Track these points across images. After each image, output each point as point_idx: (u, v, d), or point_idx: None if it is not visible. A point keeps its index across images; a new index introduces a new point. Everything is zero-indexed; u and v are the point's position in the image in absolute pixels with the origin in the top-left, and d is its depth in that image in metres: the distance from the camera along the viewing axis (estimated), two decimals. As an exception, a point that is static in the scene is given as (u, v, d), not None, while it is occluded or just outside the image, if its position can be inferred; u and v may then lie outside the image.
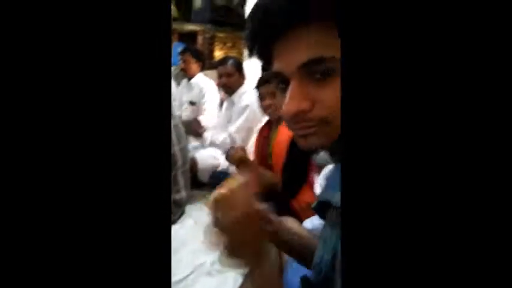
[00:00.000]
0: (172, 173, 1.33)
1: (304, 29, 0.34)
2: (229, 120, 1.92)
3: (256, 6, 0.37)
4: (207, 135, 1.85)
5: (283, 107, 0.37)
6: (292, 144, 1.25)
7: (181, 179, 1.37)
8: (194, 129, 1.97)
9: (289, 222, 1.09)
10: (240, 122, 1.78)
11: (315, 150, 0.39)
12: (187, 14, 5.28)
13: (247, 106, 1.78)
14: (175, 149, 1.32)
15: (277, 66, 0.38)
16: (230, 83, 1.85)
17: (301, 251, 0.57)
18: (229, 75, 1.84)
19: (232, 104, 1.91)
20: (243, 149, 1.51)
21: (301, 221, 1.13)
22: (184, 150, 1.38)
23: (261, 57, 0.41)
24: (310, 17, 0.33)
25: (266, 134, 1.49)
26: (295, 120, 0.37)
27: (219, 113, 2.15)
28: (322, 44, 0.34)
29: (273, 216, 0.54)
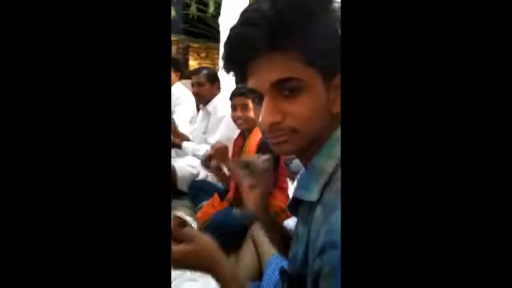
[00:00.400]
0: None
1: (274, 54, 0.41)
2: (204, 131, 1.94)
3: (229, 35, 0.43)
4: (188, 146, 1.85)
5: (260, 119, 0.44)
6: (260, 150, 1.30)
7: None
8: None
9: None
10: (220, 133, 1.79)
11: (288, 156, 0.46)
12: (160, 24, 5.25)
13: (223, 117, 1.81)
14: None
15: (251, 83, 0.45)
16: (201, 92, 1.90)
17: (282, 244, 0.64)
18: (200, 84, 1.89)
19: (207, 114, 1.94)
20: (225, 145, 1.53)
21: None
22: None
23: (236, 74, 0.47)
24: (277, 47, 0.40)
25: (240, 144, 1.54)
26: (270, 130, 0.44)
27: (196, 123, 2.17)
28: (289, 67, 0.41)
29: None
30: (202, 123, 1.99)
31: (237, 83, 0.48)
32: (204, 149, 1.79)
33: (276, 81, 0.42)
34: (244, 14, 0.42)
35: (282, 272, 0.51)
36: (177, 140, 1.83)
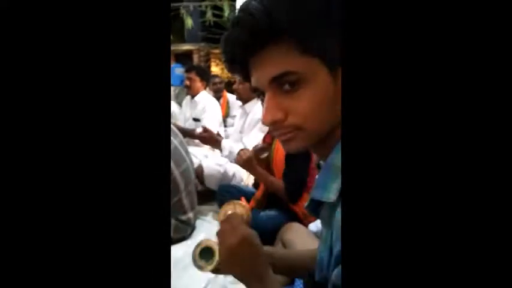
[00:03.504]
0: (176, 198, 1.32)
1: (269, 49, 0.39)
2: (241, 130, 1.97)
3: (222, 39, 0.42)
4: (226, 145, 1.88)
5: (262, 117, 0.41)
6: (289, 154, 1.27)
7: (186, 202, 1.37)
8: (211, 139, 1.96)
9: (294, 227, 1.11)
10: (254, 134, 1.81)
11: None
12: (181, 35, 5.41)
13: (259, 119, 1.81)
14: (176, 173, 1.29)
15: (253, 81, 0.43)
16: (239, 90, 1.92)
17: (296, 271, 0.62)
18: (241, 82, 1.90)
19: (244, 113, 1.98)
20: (251, 152, 1.53)
21: (305, 225, 1.15)
22: (185, 172, 1.36)
23: (241, 75, 0.45)
24: (271, 42, 0.38)
25: (269, 141, 1.53)
26: (274, 128, 0.42)
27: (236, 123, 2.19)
28: (285, 60, 0.39)
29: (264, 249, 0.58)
30: (239, 122, 2.03)
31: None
32: (238, 148, 1.80)
33: (273, 77, 0.40)
34: (234, 16, 0.41)
35: (307, 277, 0.48)
36: (218, 141, 1.86)
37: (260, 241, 0.49)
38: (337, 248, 0.37)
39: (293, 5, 0.37)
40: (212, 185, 1.85)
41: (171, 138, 1.34)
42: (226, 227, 0.49)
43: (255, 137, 1.80)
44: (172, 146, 1.31)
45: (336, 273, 0.36)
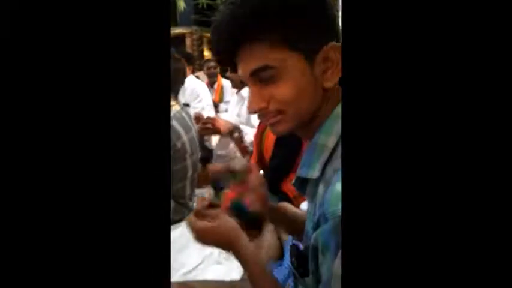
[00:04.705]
0: (182, 184, 1.41)
1: (254, 44, 0.43)
2: (238, 114, 2.01)
3: (211, 31, 0.46)
4: (246, 130, 1.88)
5: (247, 107, 0.47)
6: (279, 138, 1.32)
7: (188, 188, 1.45)
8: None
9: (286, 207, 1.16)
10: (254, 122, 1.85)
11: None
12: (173, 18, 5.31)
13: None
14: (188, 162, 1.39)
15: (239, 73, 0.47)
16: (233, 77, 1.94)
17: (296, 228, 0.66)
18: None
19: (242, 99, 2.01)
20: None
21: (295, 206, 1.21)
22: (195, 162, 1.46)
23: (230, 67, 0.49)
24: (253, 37, 0.42)
25: (261, 130, 1.57)
26: (259, 115, 0.47)
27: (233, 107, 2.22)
28: (266, 55, 0.43)
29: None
30: (236, 108, 2.07)
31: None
32: (247, 131, 1.83)
33: (253, 70, 0.44)
34: (219, 10, 0.44)
35: (292, 246, 0.53)
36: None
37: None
38: (315, 218, 0.42)
39: (277, 3, 0.41)
40: (210, 142, 1.92)
41: (190, 126, 1.41)
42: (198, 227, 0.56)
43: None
44: (190, 135, 1.38)
45: (314, 236, 0.41)
